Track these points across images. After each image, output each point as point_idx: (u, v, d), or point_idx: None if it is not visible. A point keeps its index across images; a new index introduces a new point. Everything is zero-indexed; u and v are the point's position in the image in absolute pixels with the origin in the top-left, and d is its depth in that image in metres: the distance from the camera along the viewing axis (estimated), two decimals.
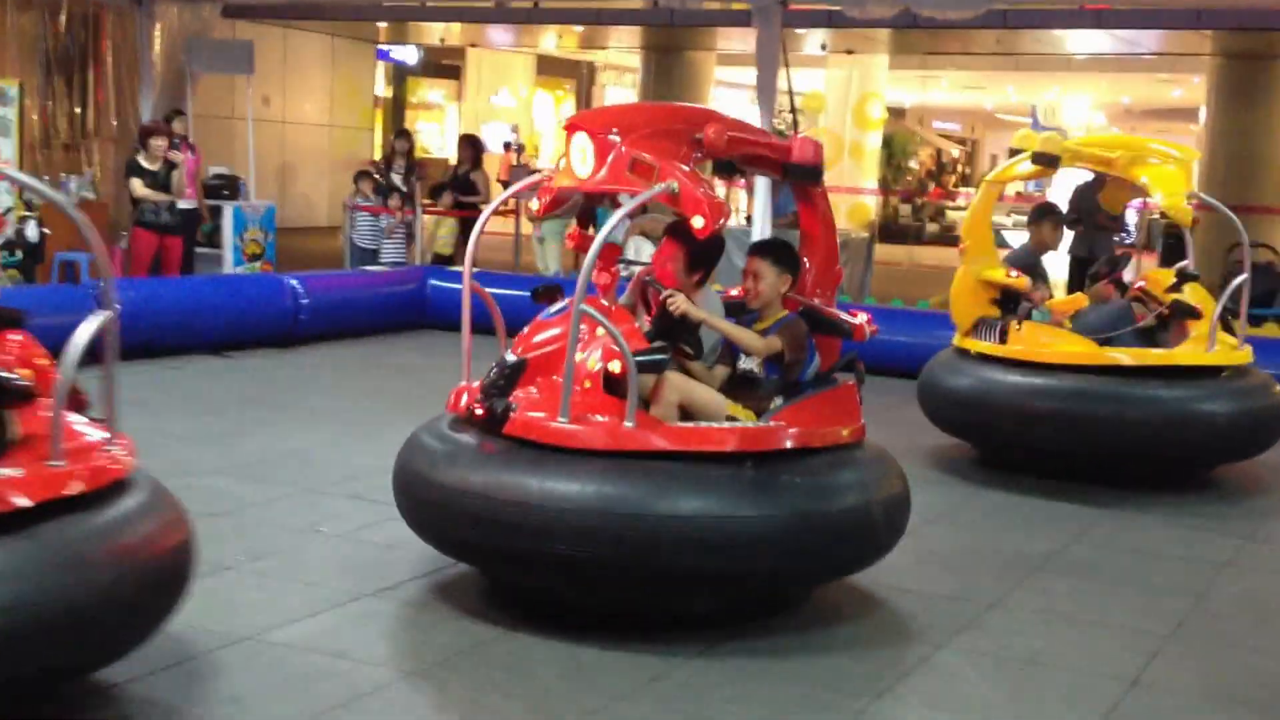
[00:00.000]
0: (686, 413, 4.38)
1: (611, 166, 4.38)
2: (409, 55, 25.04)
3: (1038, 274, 7.29)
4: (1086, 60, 21.10)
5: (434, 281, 11.26)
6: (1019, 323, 6.86)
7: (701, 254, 4.70)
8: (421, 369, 9.38)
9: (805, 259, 4.95)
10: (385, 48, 24.03)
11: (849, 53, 20.74)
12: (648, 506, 4.07)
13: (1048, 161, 7.21)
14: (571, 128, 4.53)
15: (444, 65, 26.14)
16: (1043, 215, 7.64)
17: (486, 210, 5.40)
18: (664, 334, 4.50)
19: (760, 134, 4.91)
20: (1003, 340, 6.86)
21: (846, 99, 22.24)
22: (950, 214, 25.55)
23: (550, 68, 27.84)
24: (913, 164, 29.36)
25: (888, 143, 24.00)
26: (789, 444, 4.35)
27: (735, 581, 4.30)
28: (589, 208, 5.00)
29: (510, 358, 4.58)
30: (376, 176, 13.08)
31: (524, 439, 4.29)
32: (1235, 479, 7.12)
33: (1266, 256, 12.68)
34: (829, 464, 4.43)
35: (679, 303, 4.48)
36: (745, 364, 4.65)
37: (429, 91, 26.82)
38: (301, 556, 5.04)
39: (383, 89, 24.84)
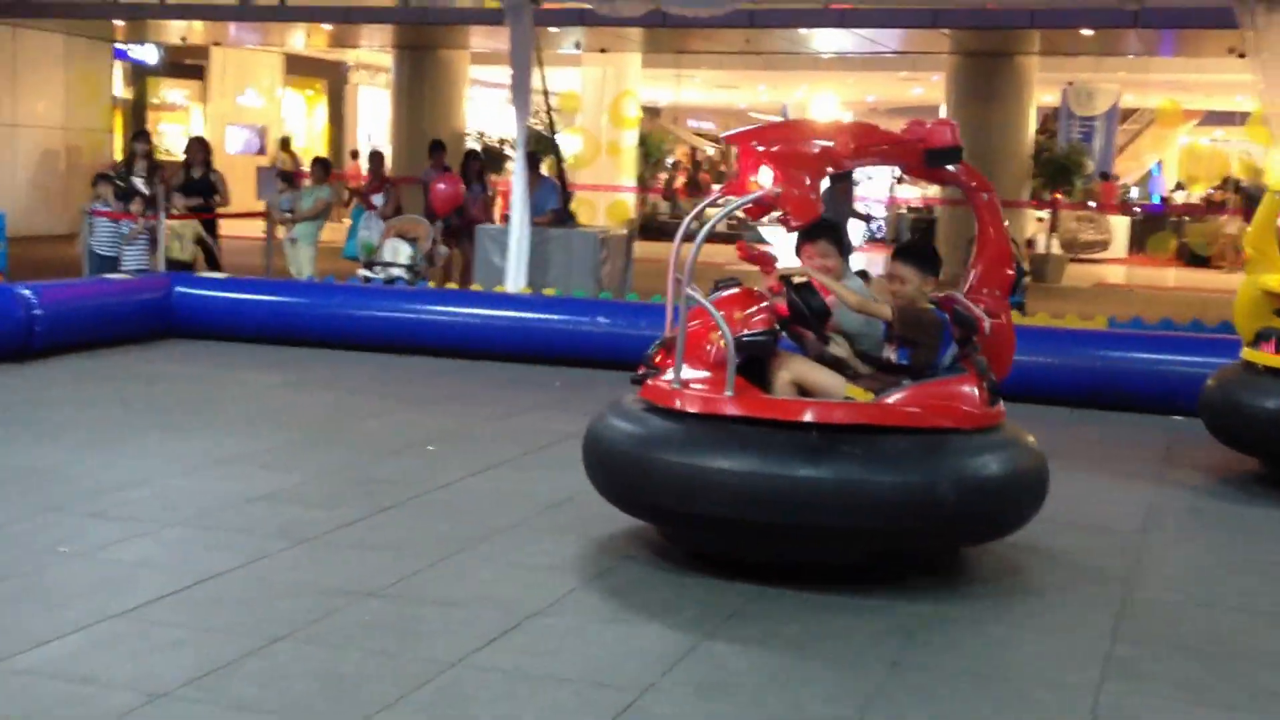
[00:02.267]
0: (808, 392, 4.92)
1: (742, 173, 5.06)
2: (149, 54, 24.08)
3: None
4: (833, 59, 21.73)
5: (180, 289, 10.81)
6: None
7: (837, 244, 5.39)
8: (170, 378, 9.00)
9: (978, 260, 5.34)
10: (123, 47, 23.05)
11: (603, 51, 20.88)
12: (711, 463, 4.71)
13: None
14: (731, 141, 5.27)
15: (187, 65, 25.24)
16: None
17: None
18: (794, 320, 4.98)
19: (889, 134, 5.29)
20: (1277, 350, 6.79)
21: (602, 98, 22.39)
22: (708, 210, 25.95)
23: (301, 67, 27.18)
24: (670, 161, 29.72)
25: (644, 141, 24.23)
26: (844, 419, 4.75)
27: (789, 537, 4.75)
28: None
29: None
30: (117, 180, 12.51)
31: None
32: None
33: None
34: (911, 443, 4.74)
35: (790, 269, 5.09)
36: (886, 352, 5.13)
37: (171, 92, 25.86)
38: (42, 578, 4.74)
39: (122, 90, 23.83)
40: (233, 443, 6.93)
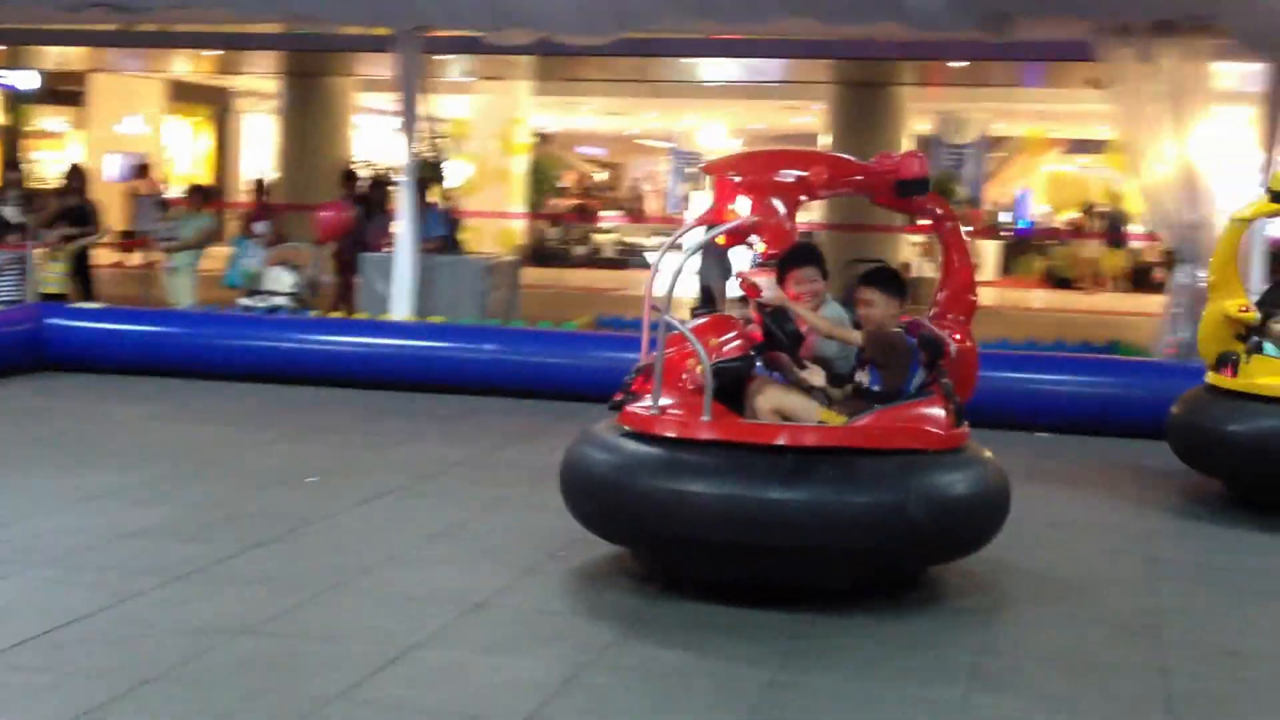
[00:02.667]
0: (784, 417, 5.06)
1: (719, 202, 5.19)
2: (28, 80, 23.51)
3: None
4: (720, 88, 21.93)
5: (52, 320, 10.53)
6: (1248, 356, 6.88)
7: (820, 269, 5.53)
8: (39, 412, 8.77)
9: (944, 285, 5.55)
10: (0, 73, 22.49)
11: (494, 79, 20.85)
12: (690, 487, 4.84)
13: None
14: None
15: (65, 91, 24.70)
16: None
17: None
18: (769, 346, 5.12)
19: (861, 165, 5.44)
20: (1234, 373, 6.88)
21: (493, 125, 22.34)
22: (596, 237, 25.99)
23: (185, 94, 26.74)
24: (561, 187, 29.75)
25: (534, 168, 24.23)
26: (817, 443, 4.89)
27: (765, 555, 4.84)
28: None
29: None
30: None
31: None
32: None
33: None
34: (882, 464, 4.87)
35: (761, 287, 5.15)
36: (857, 375, 5.21)
37: (48, 119, 25.29)
38: None
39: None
40: (103, 478, 6.76)
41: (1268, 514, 6.77)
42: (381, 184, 14.52)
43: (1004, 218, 27.00)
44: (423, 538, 5.87)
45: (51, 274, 12.20)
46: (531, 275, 18.29)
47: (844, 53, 15.89)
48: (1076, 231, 24.09)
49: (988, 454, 5.26)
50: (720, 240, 5.32)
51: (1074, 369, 9.35)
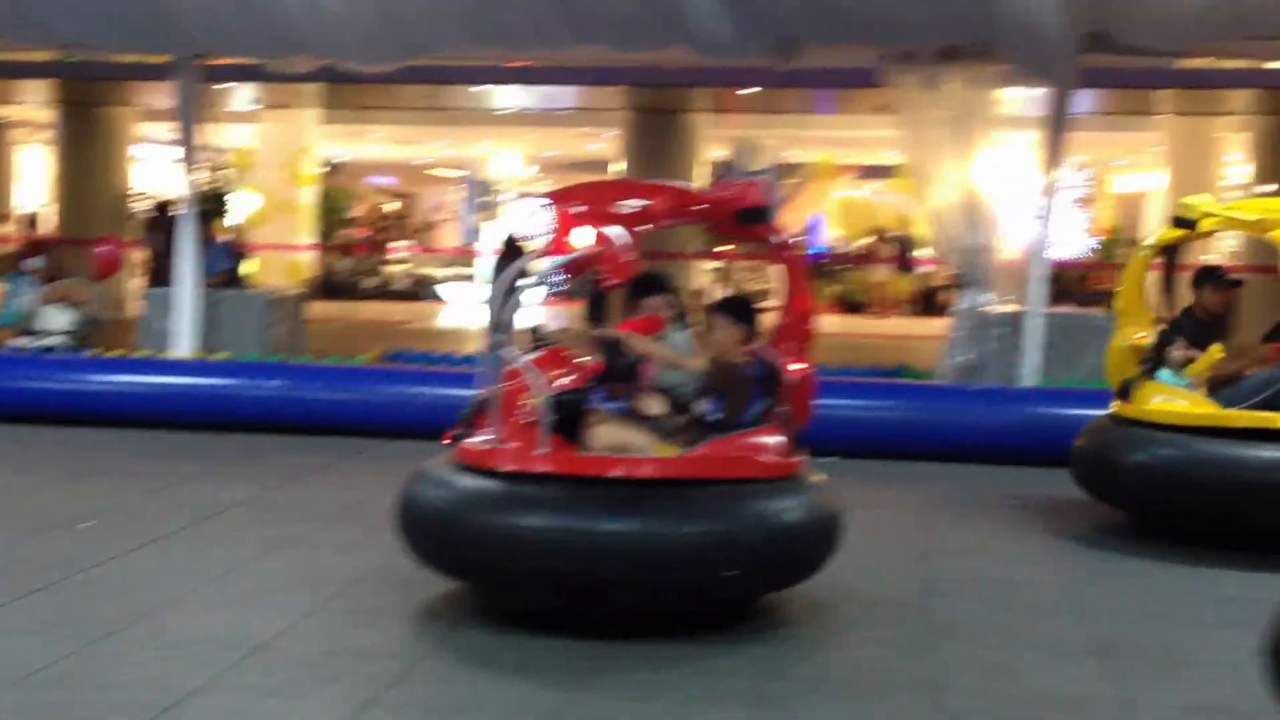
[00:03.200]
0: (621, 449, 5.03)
1: (560, 234, 5.12)
2: None
3: (1186, 336, 7.02)
4: (513, 115, 21.97)
5: None
6: (1139, 381, 6.86)
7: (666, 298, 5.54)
8: None
9: (785, 314, 5.55)
10: None
11: (280, 107, 20.49)
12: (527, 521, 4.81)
13: (1186, 225, 7.01)
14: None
15: None
16: (1202, 280, 7.40)
17: None
18: (609, 377, 5.13)
19: (703, 194, 5.55)
20: (1125, 399, 6.87)
21: (279, 155, 21.93)
22: (387, 269, 25.69)
23: None
24: (351, 218, 29.31)
25: (323, 198, 23.84)
26: (653, 474, 4.89)
27: (581, 588, 4.83)
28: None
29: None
30: None
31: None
32: None
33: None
34: (719, 494, 4.90)
35: (634, 343, 5.17)
36: (698, 405, 5.22)
37: None
38: None
39: None
40: None
41: (1058, 528, 7.03)
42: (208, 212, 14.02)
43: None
44: (203, 581, 5.69)
45: None
46: (320, 309, 18.01)
47: (636, 79, 16.10)
48: (867, 257, 24.75)
49: (825, 482, 5.32)
50: (557, 273, 5.27)
51: (863, 394, 9.53)
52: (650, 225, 5.29)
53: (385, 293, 23.15)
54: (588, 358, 5.33)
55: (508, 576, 4.97)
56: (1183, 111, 18.79)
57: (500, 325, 5.11)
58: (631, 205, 5.25)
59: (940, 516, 7.49)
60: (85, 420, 9.61)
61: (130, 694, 4.29)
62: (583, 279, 5.26)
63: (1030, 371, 9.89)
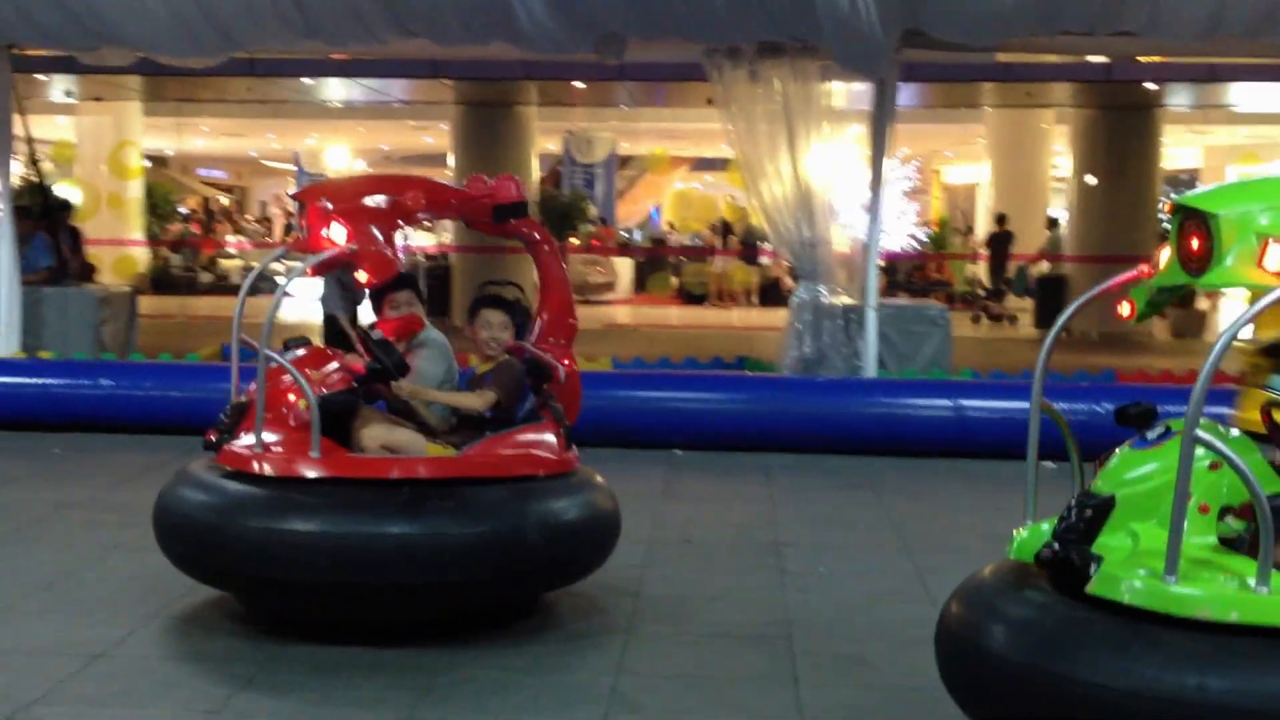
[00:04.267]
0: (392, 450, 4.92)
1: (313, 231, 5.06)
2: None
3: None
4: (343, 108, 21.65)
5: None
6: None
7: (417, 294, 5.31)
8: None
9: (542, 309, 5.47)
10: None
11: (99, 100, 19.86)
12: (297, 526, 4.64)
13: None
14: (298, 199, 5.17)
15: None
16: None
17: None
18: (373, 377, 4.95)
19: (457, 190, 5.52)
20: None
21: (101, 148, 21.27)
22: (222, 263, 25.11)
23: None
24: (182, 211, 28.60)
25: (150, 192, 23.19)
26: (430, 474, 4.78)
27: (378, 592, 4.69)
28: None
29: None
30: None
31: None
32: None
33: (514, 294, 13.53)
34: (496, 492, 4.81)
35: (401, 389, 5.01)
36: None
37: None
38: None
39: None
40: None
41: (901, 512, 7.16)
42: (65, 206, 13.44)
43: (637, 236, 27.82)
44: (34, 588, 5.52)
45: None
46: (153, 304, 17.54)
47: (465, 73, 15.98)
48: (709, 249, 24.91)
49: (599, 478, 5.29)
50: (310, 271, 5.19)
51: (706, 386, 9.61)
52: (402, 221, 5.28)
53: (222, 288, 22.59)
54: (352, 357, 5.20)
55: (275, 586, 4.76)
56: (1005, 104, 19.40)
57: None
58: (381, 201, 5.19)
59: (786, 508, 7.53)
60: None
61: None
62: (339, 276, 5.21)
63: (871, 362, 10.08)
